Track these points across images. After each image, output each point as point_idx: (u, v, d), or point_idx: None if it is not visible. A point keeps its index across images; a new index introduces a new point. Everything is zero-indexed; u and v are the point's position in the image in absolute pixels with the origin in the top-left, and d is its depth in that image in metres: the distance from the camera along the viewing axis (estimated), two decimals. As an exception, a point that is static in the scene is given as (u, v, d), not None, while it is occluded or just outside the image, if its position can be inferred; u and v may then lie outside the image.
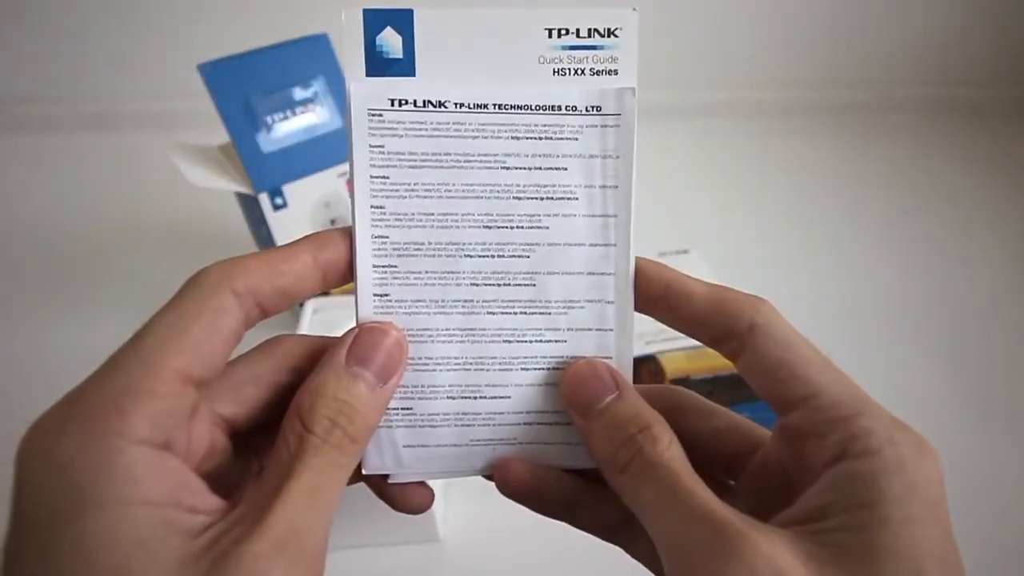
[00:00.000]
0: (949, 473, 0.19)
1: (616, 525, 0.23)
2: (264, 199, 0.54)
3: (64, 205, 0.84)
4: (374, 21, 0.22)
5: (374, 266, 0.23)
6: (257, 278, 0.20)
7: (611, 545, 0.24)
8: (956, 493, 0.19)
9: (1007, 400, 0.57)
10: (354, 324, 0.23)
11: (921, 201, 0.85)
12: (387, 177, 0.22)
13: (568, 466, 0.24)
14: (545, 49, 0.22)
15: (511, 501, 0.24)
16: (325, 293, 0.60)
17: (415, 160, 0.23)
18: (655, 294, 0.23)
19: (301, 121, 0.55)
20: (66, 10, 0.95)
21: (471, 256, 0.23)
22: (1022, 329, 0.65)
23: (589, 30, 0.22)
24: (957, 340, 0.63)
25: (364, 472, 0.23)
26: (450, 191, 0.23)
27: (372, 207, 0.22)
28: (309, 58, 0.55)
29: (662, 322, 0.23)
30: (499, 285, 0.23)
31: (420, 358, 0.23)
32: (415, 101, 0.22)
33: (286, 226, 0.56)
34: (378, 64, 0.22)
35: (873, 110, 1.03)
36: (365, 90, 0.22)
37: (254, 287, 0.20)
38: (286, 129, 0.54)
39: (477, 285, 0.23)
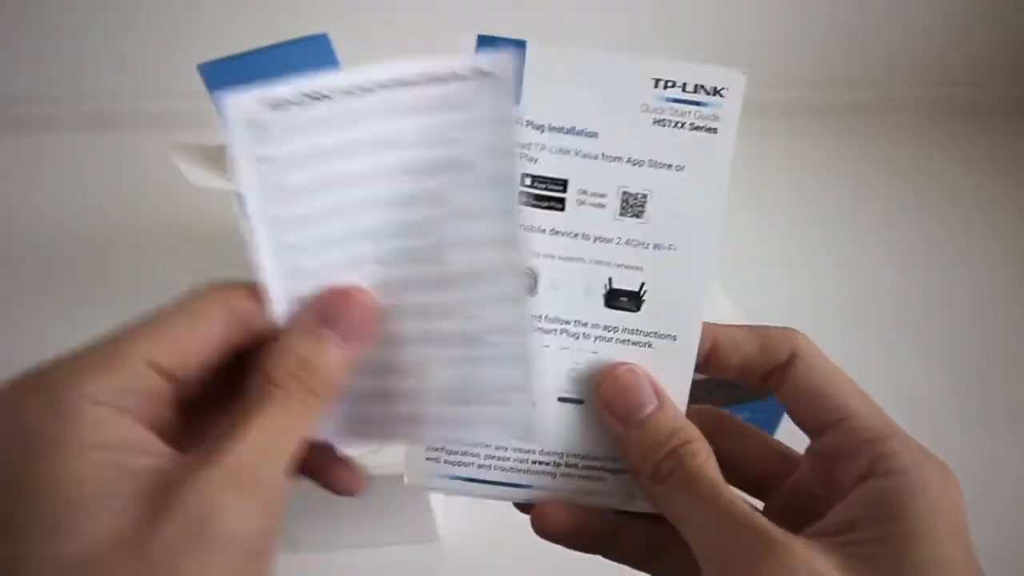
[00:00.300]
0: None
1: (650, 555, 0.24)
2: (264, 199, 0.54)
3: (64, 205, 0.84)
4: (487, 47, 0.22)
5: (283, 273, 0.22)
6: (246, 305, 0.21)
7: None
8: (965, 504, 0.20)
9: (1007, 400, 0.57)
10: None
11: (921, 201, 0.85)
12: (282, 187, 0.22)
13: (614, 507, 0.24)
14: (650, 98, 0.22)
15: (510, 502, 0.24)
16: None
17: (304, 159, 0.22)
18: (706, 349, 0.24)
19: (301, 121, 0.55)
20: (66, 10, 0.95)
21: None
22: (1022, 329, 0.65)
23: (696, 86, 0.23)
24: (957, 340, 0.63)
25: (407, 481, 0.24)
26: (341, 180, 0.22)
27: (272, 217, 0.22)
28: (309, 58, 0.55)
29: (713, 375, 0.24)
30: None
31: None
32: (294, 97, 0.21)
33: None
34: None
35: (873, 110, 1.03)
36: (242, 101, 0.21)
37: (242, 312, 0.21)
38: (286, 129, 0.54)
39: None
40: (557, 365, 0.23)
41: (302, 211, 0.22)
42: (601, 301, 0.23)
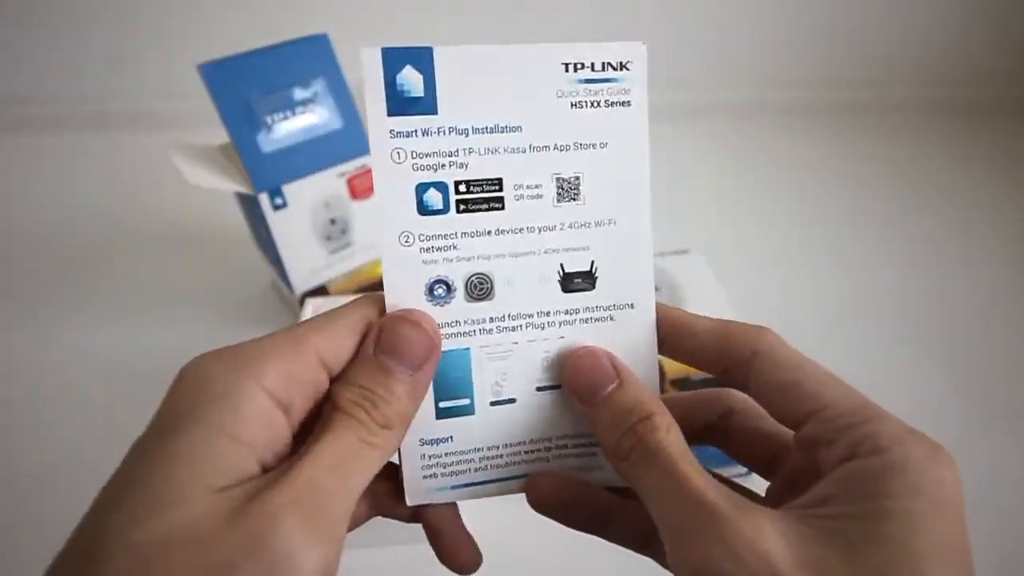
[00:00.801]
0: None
1: (647, 536, 0.24)
2: (264, 199, 0.54)
3: (64, 205, 0.84)
4: (393, 60, 0.22)
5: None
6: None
7: (611, 546, 0.24)
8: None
9: (1007, 400, 0.57)
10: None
11: (921, 201, 0.85)
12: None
13: (604, 484, 0.25)
14: (563, 83, 0.23)
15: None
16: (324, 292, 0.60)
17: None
18: (662, 333, 0.24)
19: (301, 121, 0.55)
20: (66, 10, 0.95)
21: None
22: (1022, 329, 0.65)
23: (604, 63, 0.23)
24: (957, 340, 0.63)
25: (408, 503, 0.24)
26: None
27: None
28: (309, 58, 0.55)
29: (673, 359, 0.24)
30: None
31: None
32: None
33: (286, 226, 0.56)
34: (400, 103, 0.22)
35: (873, 110, 1.03)
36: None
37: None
38: (286, 129, 0.54)
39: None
40: (530, 357, 0.24)
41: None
42: (558, 288, 0.24)
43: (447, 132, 0.22)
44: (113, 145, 0.95)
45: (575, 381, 0.23)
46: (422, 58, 0.22)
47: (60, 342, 0.63)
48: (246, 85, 0.53)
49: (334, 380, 0.21)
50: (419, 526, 0.25)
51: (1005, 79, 1.05)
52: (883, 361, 0.60)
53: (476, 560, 0.25)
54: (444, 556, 0.24)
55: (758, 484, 0.24)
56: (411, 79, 0.22)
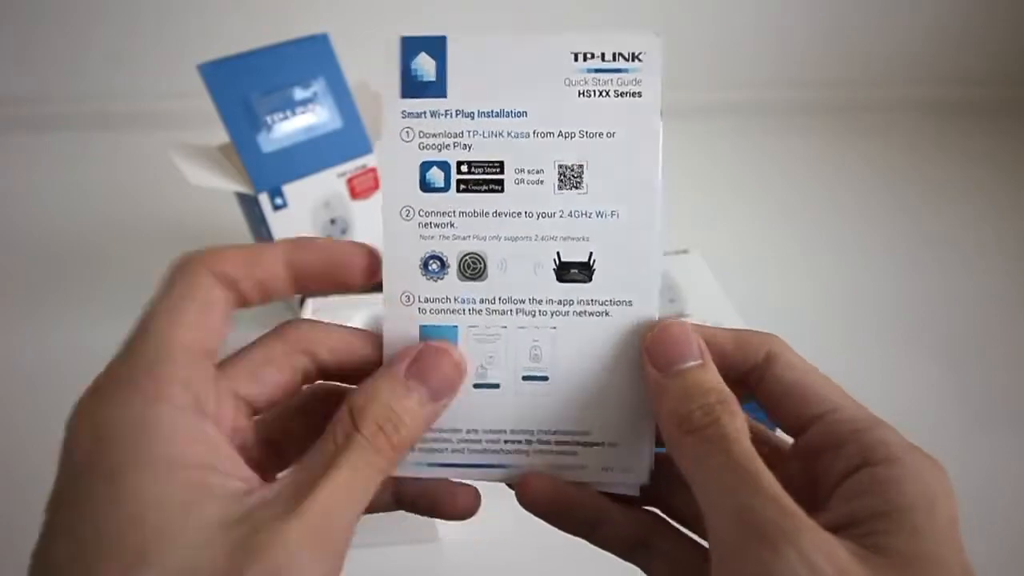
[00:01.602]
0: (949, 473, 0.19)
1: (635, 543, 0.24)
2: (264, 199, 0.54)
3: (64, 205, 0.84)
4: (410, 48, 0.23)
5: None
6: (235, 265, 0.21)
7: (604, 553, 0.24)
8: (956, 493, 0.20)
9: (1007, 400, 0.57)
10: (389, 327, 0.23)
11: (921, 201, 0.85)
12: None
13: (601, 487, 0.24)
14: (571, 72, 0.23)
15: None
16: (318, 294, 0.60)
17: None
18: None
19: (301, 121, 0.55)
20: (66, 10, 0.95)
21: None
22: (1022, 329, 0.65)
23: (614, 54, 0.23)
24: (957, 340, 0.63)
25: (398, 473, 0.24)
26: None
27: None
28: (309, 58, 0.55)
29: None
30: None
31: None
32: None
33: (286, 226, 0.56)
34: (413, 87, 0.23)
35: (873, 110, 1.03)
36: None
37: (232, 274, 0.21)
38: (286, 129, 0.54)
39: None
40: (518, 344, 0.24)
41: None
42: (552, 276, 0.23)
43: (454, 114, 0.23)
44: (113, 145, 0.95)
45: (657, 345, 0.22)
46: (436, 46, 0.23)
47: (60, 342, 0.63)
48: (246, 85, 0.53)
49: (358, 386, 0.21)
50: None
51: (1005, 79, 1.05)
52: (883, 361, 0.60)
53: (474, 503, 0.25)
54: (442, 511, 0.24)
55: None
56: (424, 64, 0.23)
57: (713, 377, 0.22)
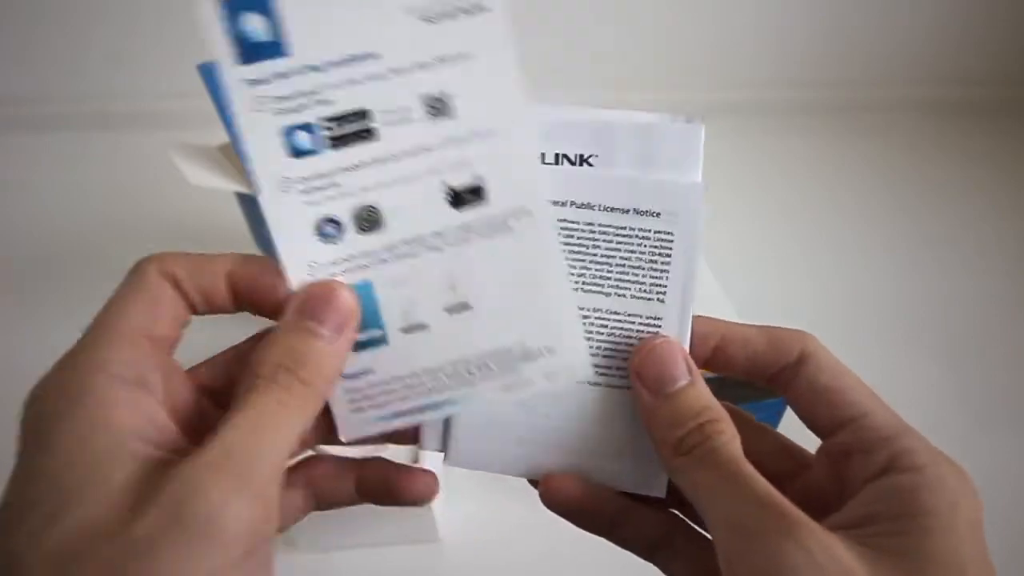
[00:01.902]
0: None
1: (656, 543, 0.24)
2: (264, 199, 0.54)
3: (63, 205, 0.84)
4: (232, 7, 0.21)
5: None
6: (181, 268, 0.22)
7: (611, 546, 0.24)
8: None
9: (1007, 400, 0.57)
10: None
11: (921, 201, 0.85)
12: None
13: (625, 489, 0.24)
14: None
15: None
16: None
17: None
18: (714, 346, 0.24)
19: (301, 121, 0.55)
20: (66, 10, 0.95)
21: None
22: (1022, 329, 0.65)
23: None
24: (957, 340, 0.63)
25: (343, 440, 0.24)
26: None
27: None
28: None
29: (721, 372, 0.24)
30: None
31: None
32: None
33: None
34: (249, 50, 0.21)
35: (873, 110, 1.03)
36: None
37: (179, 275, 0.22)
38: (286, 129, 0.54)
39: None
40: (432, 280, 0.24)
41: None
42: (447, 206, 0.23)
43: (304, 72, 0.22)
44: (113, 145, 0.95)
45: (646, 368, 0.23)
46: (260, 1, 0.21)
47: (60, 342, 0.63)
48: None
49: (255, 345, 0.21)
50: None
51: (1005, 79, 1.05)
52: (883, 361, 0.60)
53: (432, 485, 0.25)
54: (400, 496, 0.24)
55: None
56: (255, 23, 0.21)
57: (702, 395, 0.22)
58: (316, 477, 0.25)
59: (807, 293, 0.69)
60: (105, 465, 0.17)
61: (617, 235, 0.24)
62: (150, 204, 0.83)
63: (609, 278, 0.24)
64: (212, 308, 0.23)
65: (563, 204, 0.23)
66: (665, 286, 0.24)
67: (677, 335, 0.24)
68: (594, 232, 0.24)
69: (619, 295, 0.24)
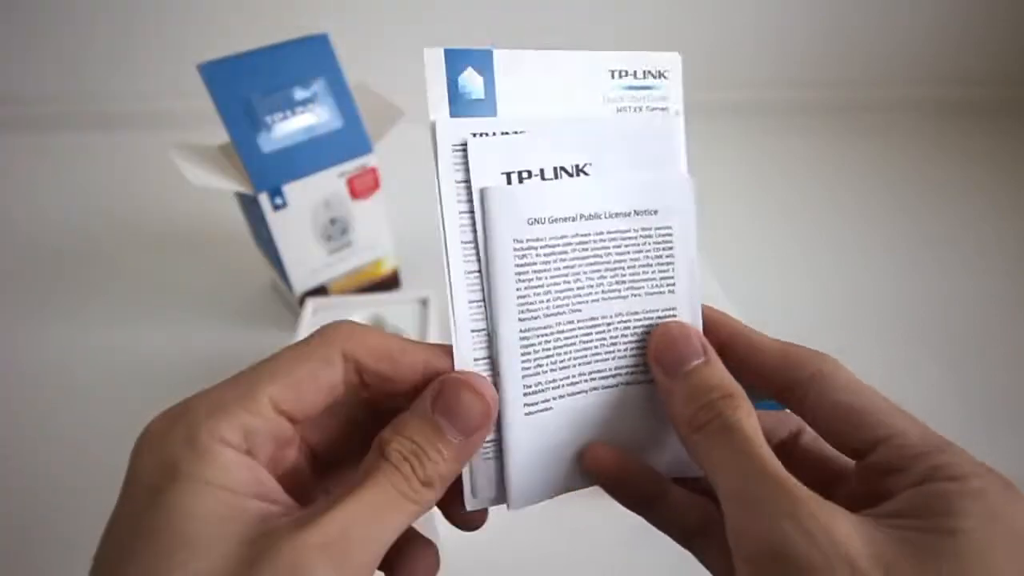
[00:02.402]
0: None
1: (694, 531, 0.24)
2: (264, 199, 0.54)
3: (64, 205, 0.84)
4: (455, 61, 0.22)
5: (470, 301, 0.23)
6: (367, 352, 0.22)
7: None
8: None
9: (1007, 400, 0.57)
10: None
11: (921, 200, 0.85)
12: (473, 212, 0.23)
13: (662, 470, 0.25)
14: (609, 89, 0.24)
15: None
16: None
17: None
18: (720, 341, 0.24)
19: (301, 121, 0.55)
20: (66, 10, 0.95)
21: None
22: (1022, 329, 0.65)
23: (645, 72, 0.24)
24: (957, 340, 0.63)
25: (468, 508, 0.24)
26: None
27: (462, 243, 0.23)
28: (309, 58, 0.55)
29: (735, 376, 0.24)
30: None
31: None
32: (497, 132, 0.23)
33: (286, 226, 0.56)
34: (462, 105, 0.22)
35: (873, 110, 1.03)
36: (450, 127, 0.22)
37: (361, 358, 0.22)
38: (286, 129, 0.54)
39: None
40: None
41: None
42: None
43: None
44: (113, 145, 0.95)
45: (661, 350, 0.24)
46: (482, 60, 0.22)
47: (60, 342, 0.63)
48: (246, 85, 0.53)
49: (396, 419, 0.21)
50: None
51: (1005, 79, 1.05)
52: (883, 361, 0.60)
53: (433, 567, 0.25)
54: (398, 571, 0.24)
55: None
56: (472, 81, 0.22)
57: (718, 372, 0.22)
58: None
59: (807, 293, 0.69)
60: (221, 521, 0.18)
61: (624, 238, 0.24)
62: (150, 204, 0.83)
63: (624, 281, 0.24)
64: (387, 396, 0.23)
65: (573, 219, 0.24)
66: (673, 277, 0.25)
67: (691, 320, 0.25)
68: (603, 240, 0.24)
69: (635, 295, 0.24)
